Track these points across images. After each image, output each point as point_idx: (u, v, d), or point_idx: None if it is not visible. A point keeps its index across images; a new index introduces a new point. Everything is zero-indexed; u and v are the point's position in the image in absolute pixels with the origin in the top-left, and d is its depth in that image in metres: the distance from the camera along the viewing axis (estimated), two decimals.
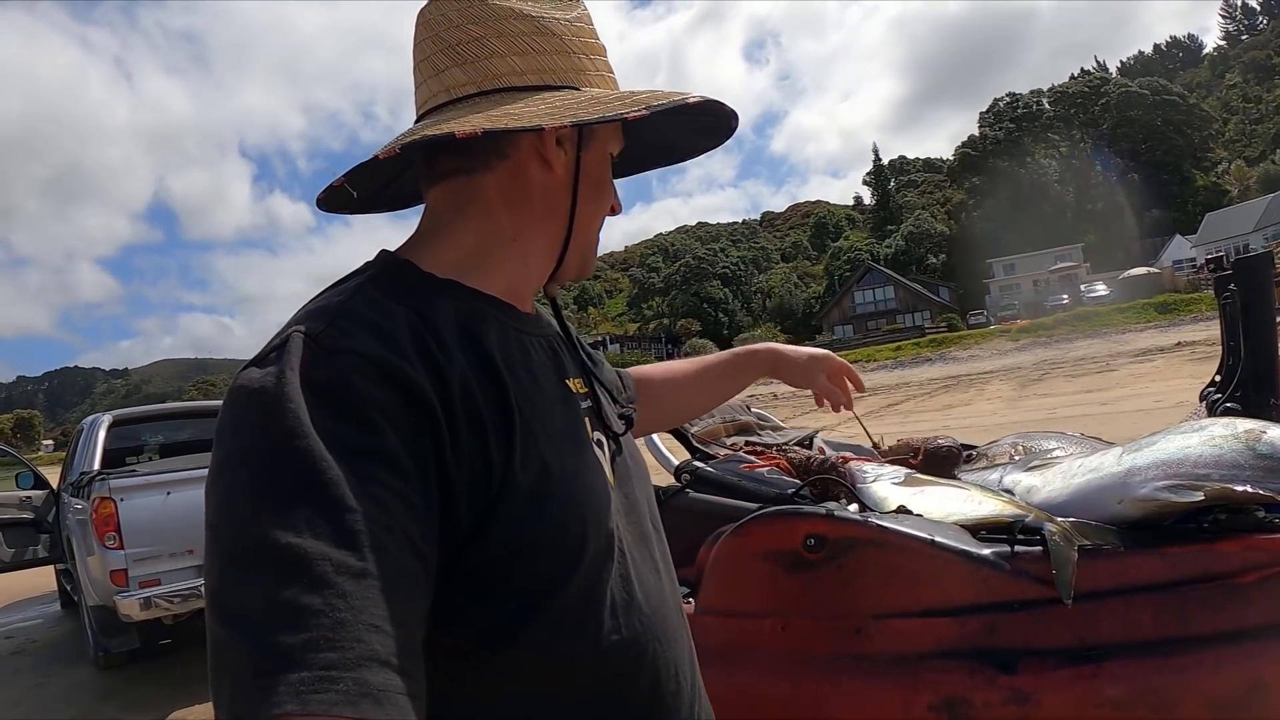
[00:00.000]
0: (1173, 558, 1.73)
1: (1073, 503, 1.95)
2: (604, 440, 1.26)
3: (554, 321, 1.35)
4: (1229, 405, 2.14)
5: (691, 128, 1.32)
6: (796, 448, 2.88)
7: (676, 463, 2.92)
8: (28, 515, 9.21)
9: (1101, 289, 54.29)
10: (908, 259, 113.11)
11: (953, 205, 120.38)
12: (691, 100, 1.13)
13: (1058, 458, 2.38)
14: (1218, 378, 2.66)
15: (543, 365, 1.20)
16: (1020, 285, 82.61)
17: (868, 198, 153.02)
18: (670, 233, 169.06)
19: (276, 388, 0.90)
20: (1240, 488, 1.67)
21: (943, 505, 2.04)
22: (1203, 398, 2.73)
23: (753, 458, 2.87)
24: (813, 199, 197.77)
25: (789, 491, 2.38)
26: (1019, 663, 1.74)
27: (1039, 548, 1.80)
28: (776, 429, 3.85)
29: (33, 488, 9.43)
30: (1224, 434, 1.78)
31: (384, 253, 1.19)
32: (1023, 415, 19.50)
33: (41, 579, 10.21)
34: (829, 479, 2.40)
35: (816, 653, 1.91)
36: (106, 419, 9.08)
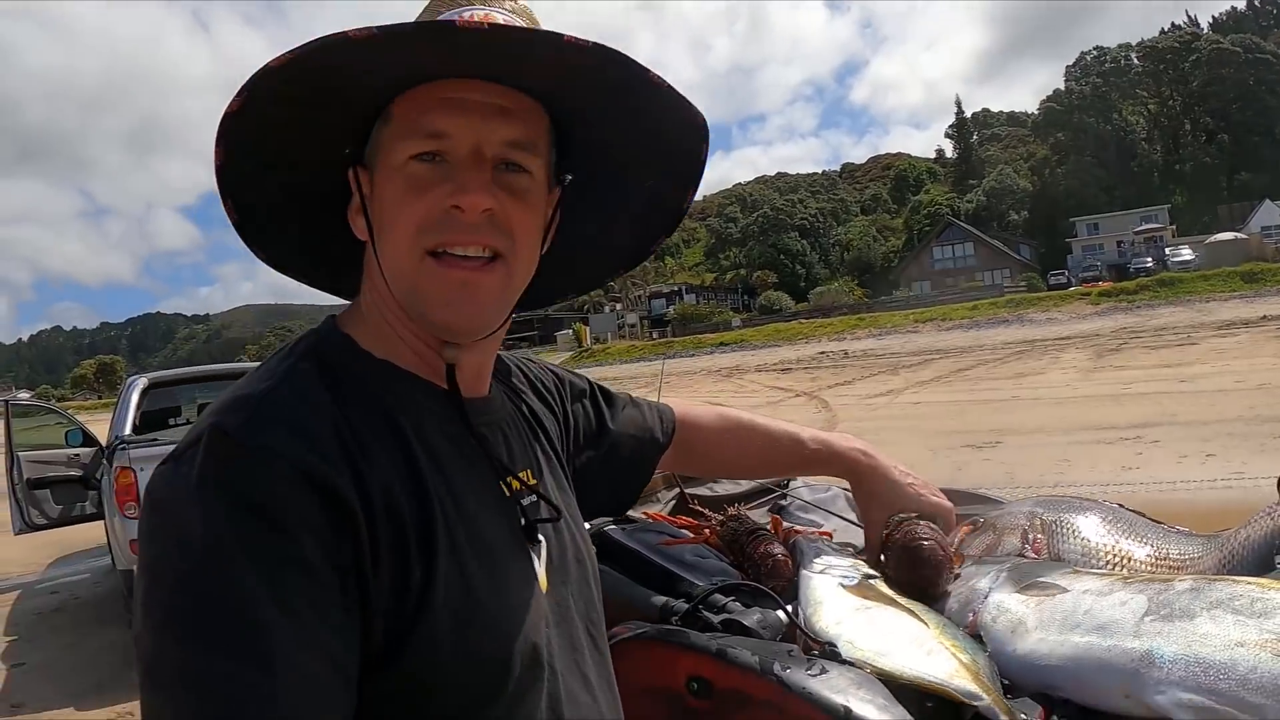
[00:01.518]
0: None
1: (1063, 672, 1.42)
2: (541, 539, 1.18)
3: (511, 405, 1.30)
4: None
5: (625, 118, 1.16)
6: (739, 513, 2.20)
7: (586, 527, 2.27)
8: (75, 472, 9.30)
9: (1186, 253, 52.72)
10: (989, 215, 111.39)
11: (1036, 161, 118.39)
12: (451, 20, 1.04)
13: (1072, 562, 1.79)
14: None
15: (477, 464, 1.12)
16: (1103, 246, 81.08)
17: (949, 151, 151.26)
18: (749, 183, 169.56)
19: (189, 495, 0.87)
20: None
21: (886, 644, 1.51)
22: None
23: (682, 529, 2.22)
24: (894, 151, 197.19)
25: (704, 587, 1.83)
26: None
27: None
28: None
29: (81, 444, 9.50)
30: None
31: (330, 320, 1.14)
32: (1096, 389, 18.95)
33: (96, 531, 10.27)
34: (760, 567, 1.90)
35: None
36: (141, 382, 9.14)
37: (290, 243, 1.23)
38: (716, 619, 1.65)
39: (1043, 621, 1.49)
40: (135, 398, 8.73)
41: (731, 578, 1.86)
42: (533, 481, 1.22)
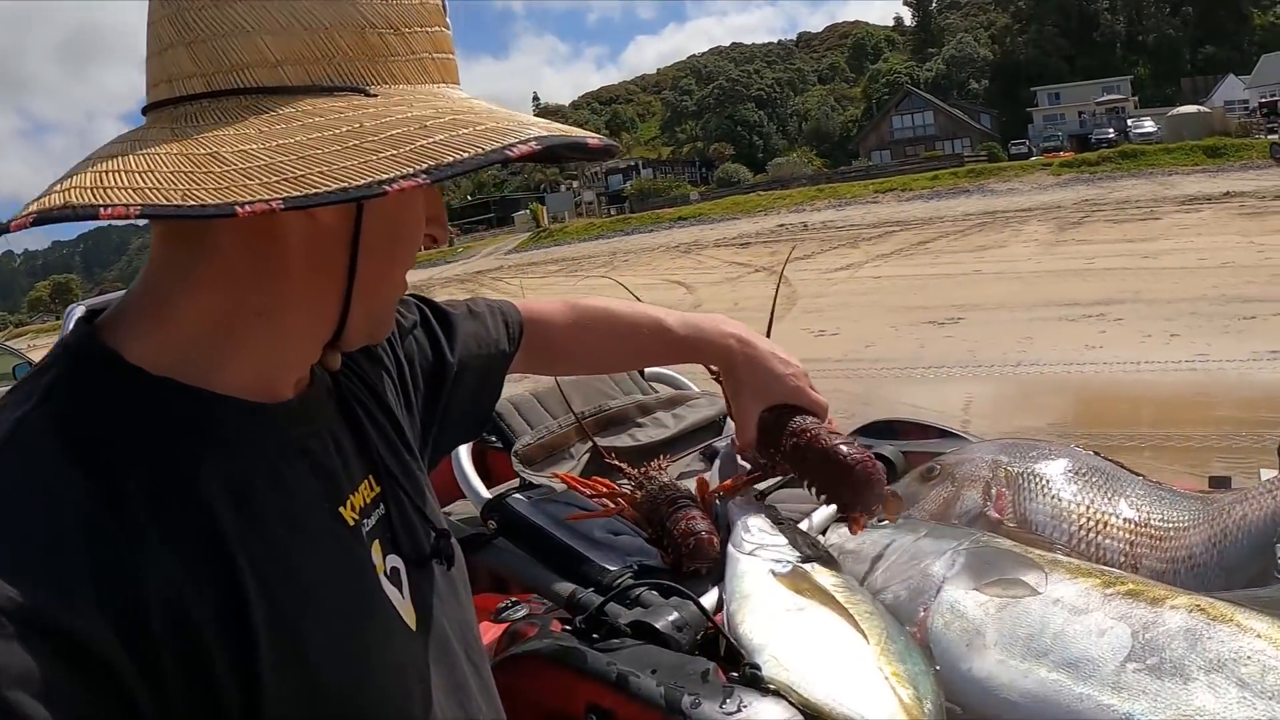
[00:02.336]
0: None
1: (1024, 710, 1.19)
2: (400, 566, 0.99)
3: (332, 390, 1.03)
4: None
5: None
6: (660, 470, 1.91)
7: (487, 496, 1.98)
8: None
9: (1149, 125, 52.30)
10: (949, 84, 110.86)
11: (997, 29, 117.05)
12: (592, 143, 0.83)
13: (1040, 525, 1.65)
14: None
15: (306, 496, 0.89)
16: (1065, 116, 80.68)
17: (908, 19, 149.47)
18: (703, 54, 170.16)
19: None
20: None
21: (816, 666, 1.26)
22: None
23: (595, 499, 1.89)
24: (851, 19, 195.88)
25: (615, 573, 1.61)
26: None
27: None
28: (679, 406, 2.56)
29: None
30: None
31: (85, 330, 0.84)
32: (1059, 264, 18.96)
33: None
34: (682, 546, 1.64)
35: None
36: (79, 310, 8.66)
37: None
38: (625, 620, 1.42)
39: (1004, 638, 1.28)
40: (71, 327, 8.43)
41: (648, 558, 1.68)
42: (376, 491, 1.00)
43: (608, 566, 1.62)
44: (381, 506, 1.00)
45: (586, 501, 1.83)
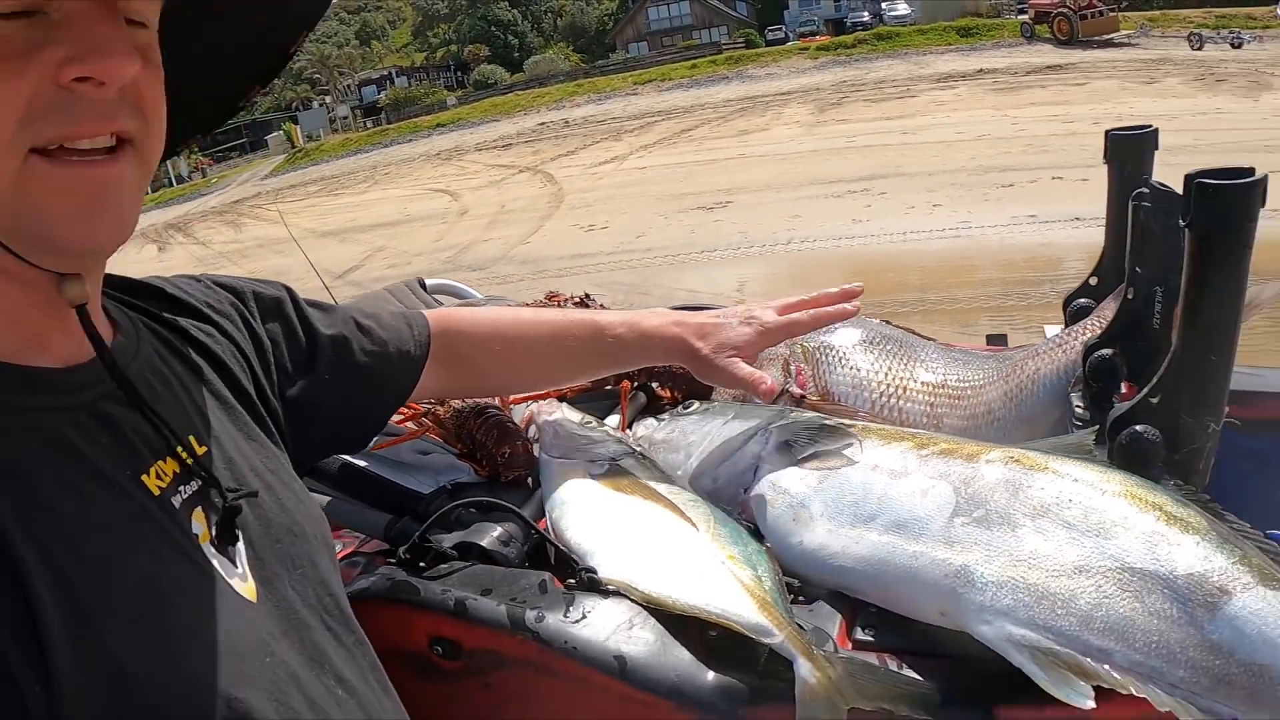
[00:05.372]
0: None
1: (862, 576, 1.20)
2: (237, 531, 0.91)
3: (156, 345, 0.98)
4: (1141, 431, 1.22)
5: None
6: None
7: None
8: None
9: (903, 8, 53.30)
10: None
11: None
12: None
13: (842, 396, 1.69)
14: (1093, 281, 1.81)
15: (99, 461, 0.81)
16: (820, 2, 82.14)
17: None
18: None
19: None
20: (1168, 702, 0.93)
21: (650, 561, 1.26)
22: (1069, 307, 1.86)
23: (398, 424, 1.81)
24: None
25: (446, 488, 1.54)
26: None
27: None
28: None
29: None
30: (1150, 568, 1.02)
31: None
32: (822, 143, 19.46)
33: None
34: (497, 456, 1.58)
35: None
36: None
37: None
38: (449, 543, 1.37)
39: (829, 508, 1.29)
40: None
41: (462, 474, 1.62)
42: (201, 450, 0.92)
43: (421, 490, 1.55)
44: (204, 472, 0.91)
45: (391, 429, 1.71)
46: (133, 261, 16.89)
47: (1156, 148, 1.62)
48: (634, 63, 58.68)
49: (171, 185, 42.29)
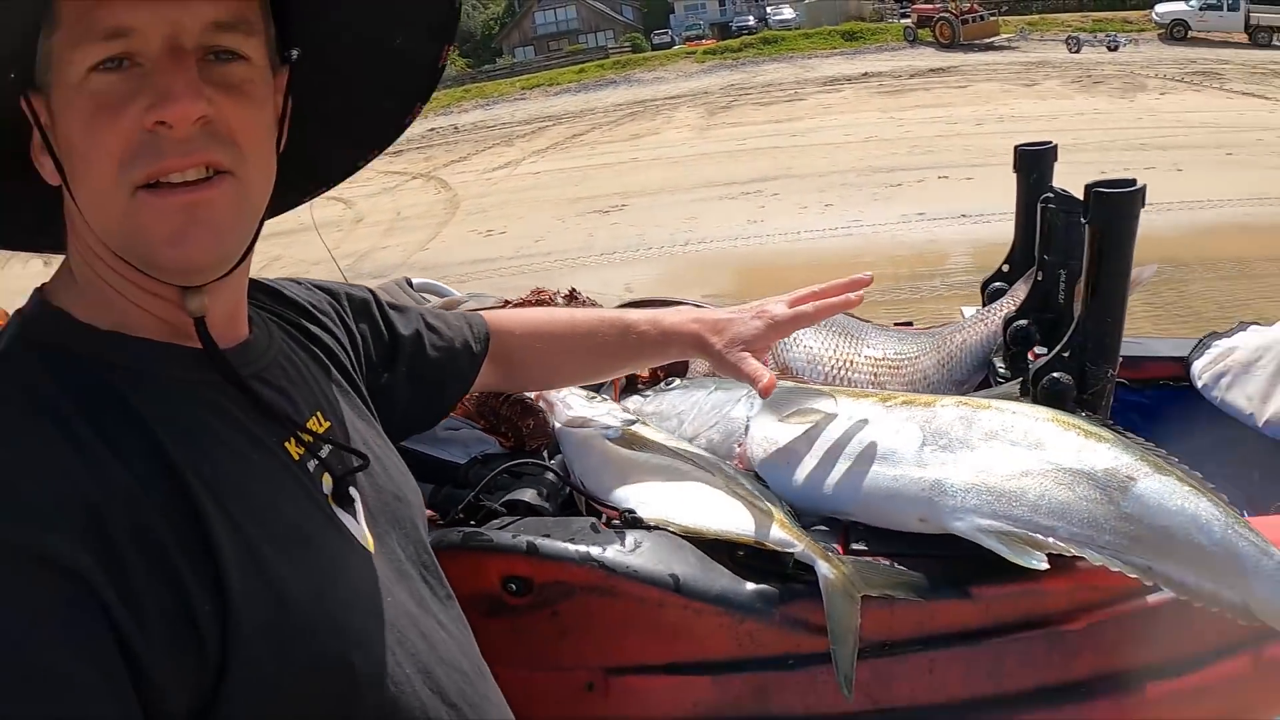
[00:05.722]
0: (986, 601, 1.36)
1: (850, 500, 1.47)
2: (354, 494, 1.03)
3: (283, 337, 1.10)
4: (1057, 377, 1.57)
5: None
6: None
7: None
8: None
9: (788, 13, 53.38)
10: None
11: None
12: None
13: (798, 370, 1.93)
14: (1005, 268, 2.09)
15: (252, 429, 0.93)
16: (705, 5, 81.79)
17: None
18: None
19: None
20: (1099, 559, 1.27)
21: (678, 501, 1.49)
22: (985, 290, 2.15)
23: None
24: None
25: (478, 459, 1.69)
26: None
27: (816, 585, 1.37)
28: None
29: None
30: (1076, 467, 1.36)
31: (36, 294, 0.93)
32: (713, 146, 19.60)
33: None
34: (522, 428, 1.76)
35: (538, 717, 1.42)
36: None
37: None
38: (497, 502, 1.53)
39: (817, 452, 1.53)
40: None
41: (488, 446, 1.77)
42: (325, 426, 1.05)
43: (456, 460, 1.70)
44: (331, 442, 1.03)
45: None
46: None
47: (1056, 160, 1.92)
48: (521, 67, 58.27)
49: None
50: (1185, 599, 1.25)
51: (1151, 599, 1.34)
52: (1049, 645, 1.36)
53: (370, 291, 1.42)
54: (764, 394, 1.49)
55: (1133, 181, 1.43)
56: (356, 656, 0.90)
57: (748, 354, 1.52)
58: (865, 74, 29.13)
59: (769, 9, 54.78)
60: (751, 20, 55.36)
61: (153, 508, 0.79)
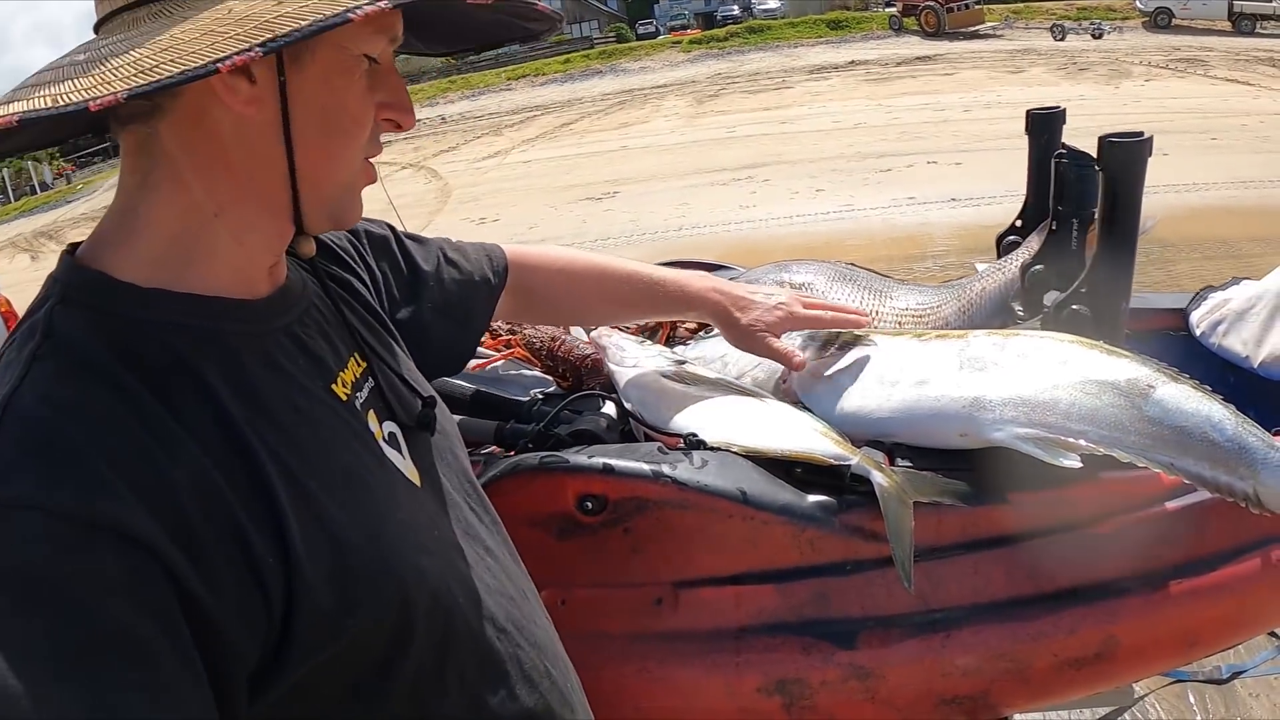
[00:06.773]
0: (1023, 506, 1.49)
1: (895, 422, 1.59)
2: (397, 430, 1.07)
3: (310, 279, 1.11)
4: (1076, 309, 1.70)
5: None
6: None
7: None
8: None
9: (772, 2, 53.36)
10: None
11: None
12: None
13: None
14: (1019, 223, 2.21)
15: (301, 378, 0.96)
16: None
17: None
18: None
19: None
20: (1126, 457, 1.41)
21: (736, 424, 1.59)
22: (1001, 243, 2.25)
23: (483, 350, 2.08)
24: None
25: (539, 397, 1.82)
26: (858, 635, 1.47)
27: (869, 496, 1.48)
28: None
29: None
30: (1101, 379, 1.50)
31: (66, 257, 0.90)
32: (702, 134, 19.67)
33: None
34: (579, 369, 1.90)
35: (608, 632, 1.54)
36: None
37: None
38: (566, 432, 1.64)
39: (860, 380, 1.64)
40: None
41: (548, 385, 1.89)
42: (363, 366, 1.08)
43: (519, 399, 1.80)
44: (371, 380, 1.07)
45: (481, 353, 1.97)
46: (5, 271, 16.46)
47: (1064, 123, 2.03)
48: (506, 58, 58.07)
49: (35, 193, 39.55)
50: (1202, 491, 1.39)
51: (1170, 504, 1.49)
52: (1080, 547, 1.48)
53: (389, 226, 1.46)
54: (797, 369, 1.62)
55: (1140, 133, 1.56)
56: (412, 593, 0.93)
57: (769, 334, 1.63)
58: (852, 62, 29.26)
59: None
60: (736, 9, 54.95)
61: (218, 473, 0.81)
